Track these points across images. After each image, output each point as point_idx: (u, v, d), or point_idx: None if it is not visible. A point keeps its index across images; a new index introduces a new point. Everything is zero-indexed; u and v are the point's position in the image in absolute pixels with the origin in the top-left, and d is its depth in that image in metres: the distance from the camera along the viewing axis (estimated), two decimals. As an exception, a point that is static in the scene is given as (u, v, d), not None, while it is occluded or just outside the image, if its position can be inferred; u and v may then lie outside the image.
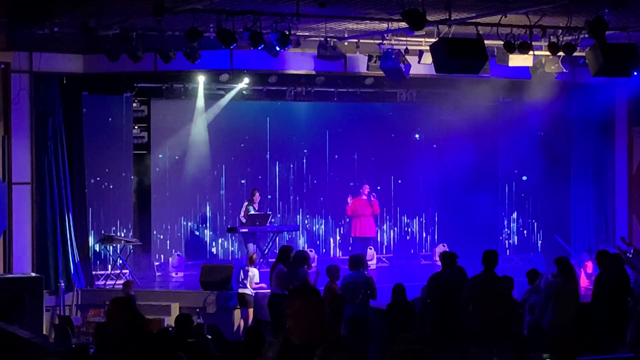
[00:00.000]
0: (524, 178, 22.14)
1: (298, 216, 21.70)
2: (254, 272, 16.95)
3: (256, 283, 16.95)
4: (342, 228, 22.08)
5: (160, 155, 20.43)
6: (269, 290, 15.81)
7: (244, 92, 20.12)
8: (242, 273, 16.95)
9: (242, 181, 21.22)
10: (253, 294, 16.91)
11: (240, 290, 16.94)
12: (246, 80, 19.60)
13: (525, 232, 22.34)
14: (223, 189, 21.11)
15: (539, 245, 22.19)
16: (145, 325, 7.34)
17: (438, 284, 13.56)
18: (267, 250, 20.18)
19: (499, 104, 21.72)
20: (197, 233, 20.93)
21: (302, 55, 18.46)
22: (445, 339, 13.01)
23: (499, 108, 21.78)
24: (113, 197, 19.36)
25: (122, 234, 19.31)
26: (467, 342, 13.07)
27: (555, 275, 13.58)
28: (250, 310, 16.90)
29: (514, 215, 22.16)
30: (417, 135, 22.62)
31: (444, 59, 14.27)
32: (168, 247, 20.51)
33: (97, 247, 19.18)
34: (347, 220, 21.35)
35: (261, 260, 19.32)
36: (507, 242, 22.08)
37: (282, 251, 15.74)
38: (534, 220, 22.30)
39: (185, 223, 20.80)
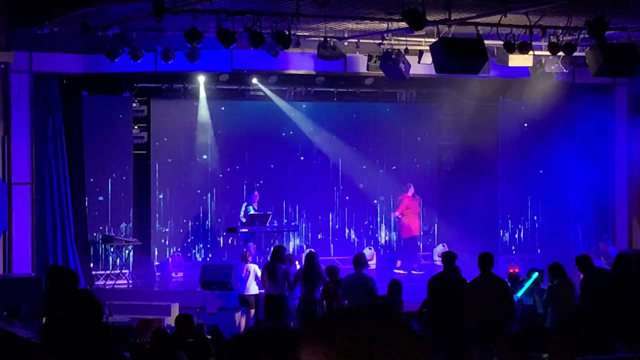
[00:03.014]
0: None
1: (298, 216, 21.67)
2: (254, 268, 16.93)
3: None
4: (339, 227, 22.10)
5: (160, 157, 20.41)
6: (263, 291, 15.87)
7: (245, 91, 20.19)
8: (244, 271, 16.94)
9: (243, 181, 21.19)
10: (254, 295, 16.89)
11: (242, 292, 16.92)
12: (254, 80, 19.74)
13: (525, 232, 22.31)
14: (223, 188, 21.09)
15: (539, 245, 22.16)
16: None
17: (439, 284, 13.58)
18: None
19: (499, 104, 21.71)
20: (197, 233, 20.90)
21: (302, 55, 18.45)
22: (446, 338, 13.01)
23: (499, 108, 21.77)
24: (113, 197, 19.36)
25: (122, 234, 19.30)
26: (467, 342, 13.07)
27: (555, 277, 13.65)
28: (252, 311, 16.88)
29: (514, 215, 22.13)
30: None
31: (444, 59, 14.28)
32: (168, 247, 20.50)
33: (97, 247, 19.16)
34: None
35: (261, 260, 19.29)
36: (506, 242, 22.05)
37: (276, 251, 15.80)
38: (533, 220, 22.27)
39: (185, 223, 20.78)
